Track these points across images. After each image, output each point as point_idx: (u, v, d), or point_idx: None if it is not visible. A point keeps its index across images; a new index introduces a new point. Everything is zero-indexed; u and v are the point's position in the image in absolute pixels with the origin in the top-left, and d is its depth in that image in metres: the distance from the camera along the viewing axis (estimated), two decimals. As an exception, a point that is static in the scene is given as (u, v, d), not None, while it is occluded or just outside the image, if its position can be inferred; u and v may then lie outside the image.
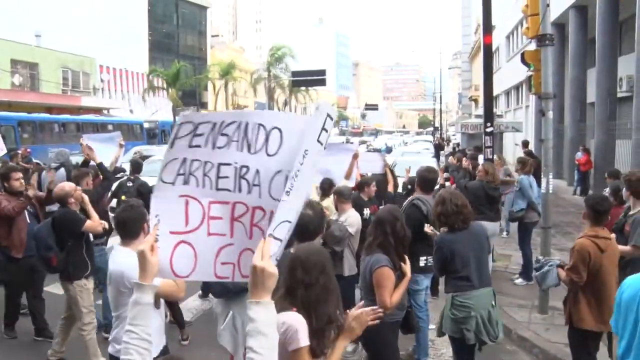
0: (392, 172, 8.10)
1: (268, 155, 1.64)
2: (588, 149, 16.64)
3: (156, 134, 31.82)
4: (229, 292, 4.05)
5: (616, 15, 15.24)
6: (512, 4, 25.95)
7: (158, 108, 38.10)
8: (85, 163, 6.90)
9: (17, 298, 6.10)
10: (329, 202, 6.13)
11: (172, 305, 5.69)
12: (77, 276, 5.06)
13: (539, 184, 8.51)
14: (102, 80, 40.35)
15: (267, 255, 1.60)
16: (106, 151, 7.03)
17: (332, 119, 1.68)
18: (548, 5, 6.65)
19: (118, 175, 8.31)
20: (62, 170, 8.81)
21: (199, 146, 1.73)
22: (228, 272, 1.80)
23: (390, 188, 7.61)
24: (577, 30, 17.85)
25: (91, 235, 5.34)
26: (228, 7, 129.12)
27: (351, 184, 6.80)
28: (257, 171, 1.67)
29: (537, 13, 6.76)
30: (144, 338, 1.77)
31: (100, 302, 6.18)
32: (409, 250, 5.07)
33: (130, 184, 7.93)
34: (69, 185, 5.38)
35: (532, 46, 7.75)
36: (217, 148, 1.70)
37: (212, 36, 66.41)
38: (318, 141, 1.64)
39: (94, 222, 5.21)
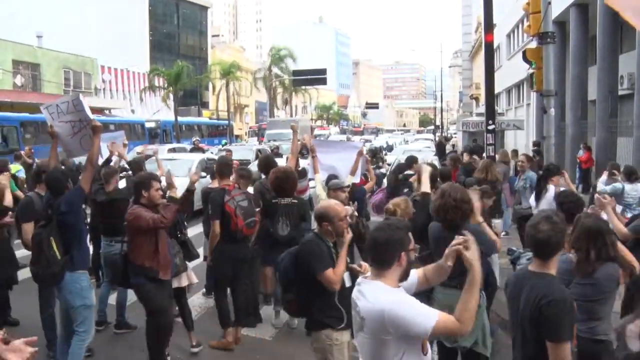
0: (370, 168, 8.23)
1: None
2: (589, 146, 16.64)
3: (158, 134, 31.88)
4: None
5: (617, 14, 15.23)
6: (513, 2, 25.93)
7: (159, 108, 38.16)
8: (107, 162, 6.88)
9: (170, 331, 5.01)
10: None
11: (183, 306, 5.54)
12: (324, 325, 3.72)
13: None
14: (103, 81, 40.42)
15: None
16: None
17: None
18: (549, 3, 6.71)
19: (122, 175, 8.36)
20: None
21: None
22: None
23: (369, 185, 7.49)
24: (578, 28, 17.84)
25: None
26: (228, 7, 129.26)
27: (356, 180, 6.86)
28: None
29: (539, 11, 6.82)
30: None
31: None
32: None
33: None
34: (337, 205, 3.81)
35: (534, 44, 7.79)
36: None
37: (213, 36, 66.51)
38: None
39: (335, 274, 3.60)
